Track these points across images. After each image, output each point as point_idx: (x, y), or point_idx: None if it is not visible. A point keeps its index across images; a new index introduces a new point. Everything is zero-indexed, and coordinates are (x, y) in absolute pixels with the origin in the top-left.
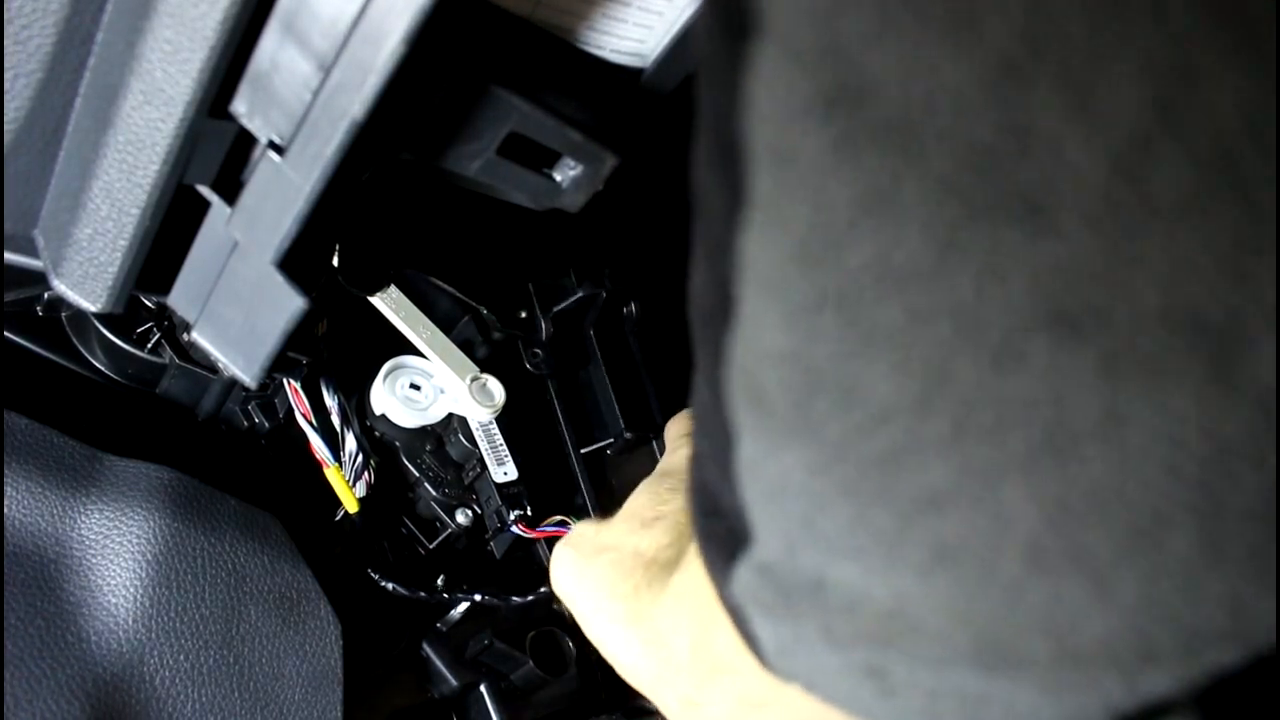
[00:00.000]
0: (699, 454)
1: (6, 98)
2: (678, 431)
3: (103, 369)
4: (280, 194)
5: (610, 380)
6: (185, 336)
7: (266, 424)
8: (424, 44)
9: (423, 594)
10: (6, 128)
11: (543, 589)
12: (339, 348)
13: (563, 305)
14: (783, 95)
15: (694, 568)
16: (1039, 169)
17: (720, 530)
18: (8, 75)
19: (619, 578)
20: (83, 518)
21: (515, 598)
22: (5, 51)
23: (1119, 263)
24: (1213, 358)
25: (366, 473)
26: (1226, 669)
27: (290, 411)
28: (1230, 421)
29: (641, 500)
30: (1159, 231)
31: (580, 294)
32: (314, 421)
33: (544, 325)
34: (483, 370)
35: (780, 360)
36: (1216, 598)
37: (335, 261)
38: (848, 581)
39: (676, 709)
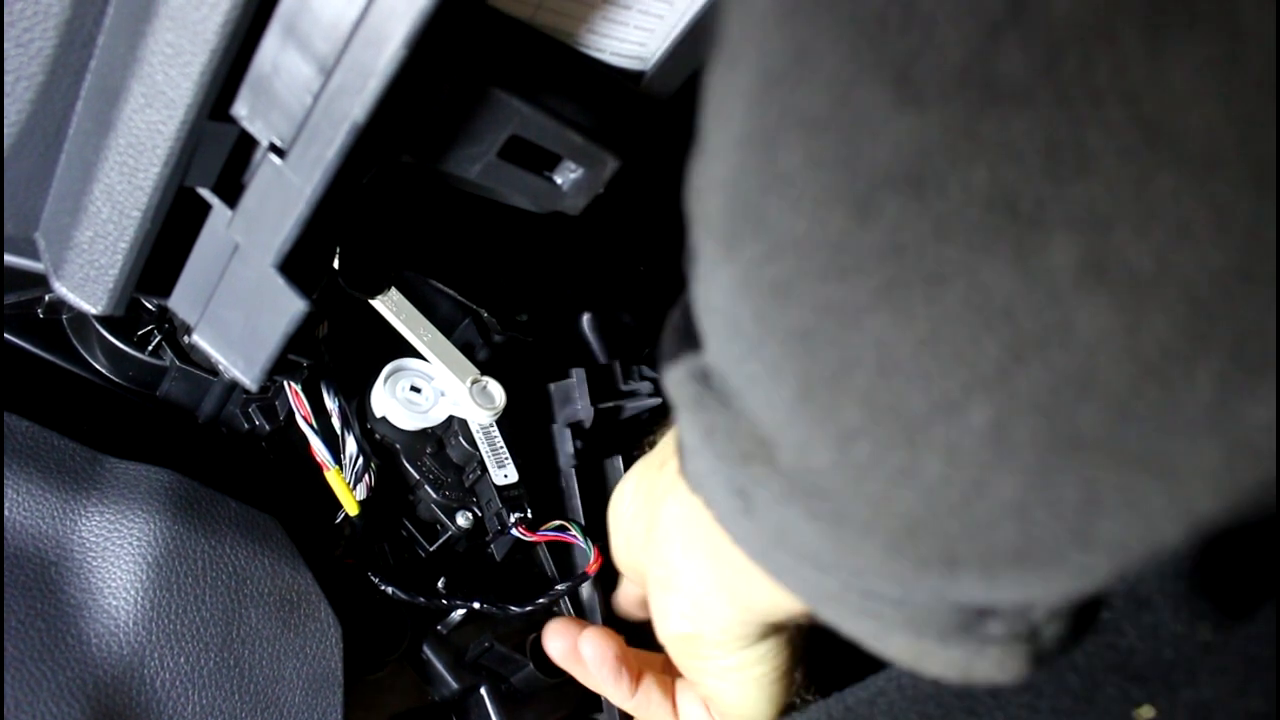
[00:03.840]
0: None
1: (8, 100)
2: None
3: (103, 371)
4: (281, 196)
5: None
6: (186, 339)
7: (267, 426)
8: (425, 47)
9: (421, 599)
10: (8, 130)
11: (540, 600)
12: (339, 350)
13: (610, 403)
14: None
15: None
16: (914, 42)
17: (683, 325)
18: (9, 78)
19: (643, 464)
20: (83, 520)
21: (514, 608)
22: (7, 54)
23: (961, 138)
24: (1019, 242)
25: (367, 475)
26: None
27: (291, 414)
28: (1024, 308)
29: None
30: (996, 115)
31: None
32: (314, 424)
33: (591, 414)
34: (483, 373)
35: (720, 186)
36: (1002, 504)
37: (336, 264)
38: (747, 400)
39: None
